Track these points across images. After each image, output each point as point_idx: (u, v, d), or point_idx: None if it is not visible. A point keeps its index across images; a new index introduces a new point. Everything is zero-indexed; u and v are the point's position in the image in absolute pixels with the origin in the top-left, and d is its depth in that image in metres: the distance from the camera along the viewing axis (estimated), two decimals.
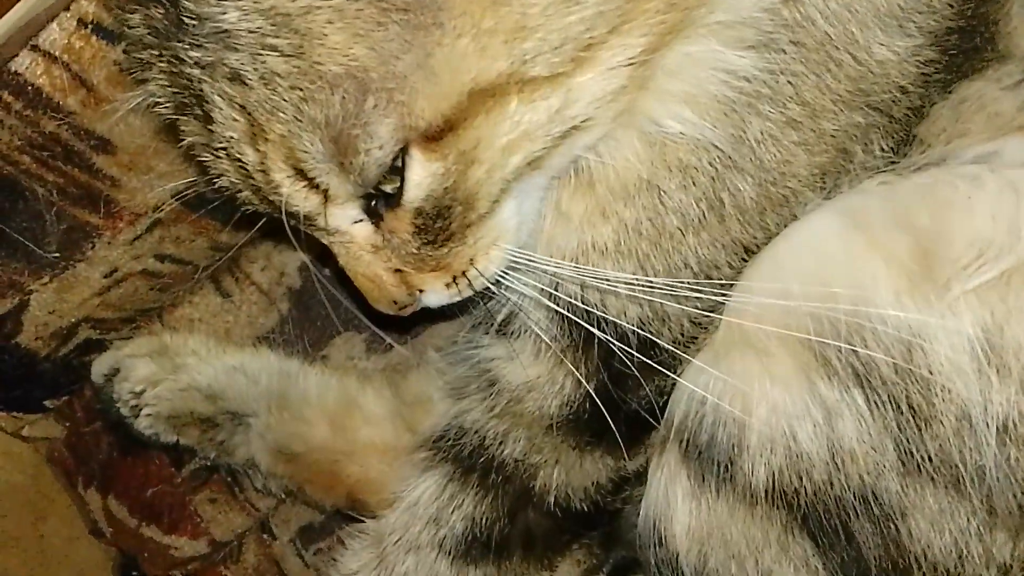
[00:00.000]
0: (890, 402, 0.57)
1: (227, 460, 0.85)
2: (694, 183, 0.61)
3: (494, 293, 0.65)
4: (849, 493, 0.62)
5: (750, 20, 0.55)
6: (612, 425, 0.66)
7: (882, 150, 0.64)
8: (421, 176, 0.54)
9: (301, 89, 0.50)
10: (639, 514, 0.71)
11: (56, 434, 0.95)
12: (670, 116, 0.57)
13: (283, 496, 0.87)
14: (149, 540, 0.92)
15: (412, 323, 0.88)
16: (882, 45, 0.60)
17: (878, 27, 0.59)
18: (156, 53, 0.55)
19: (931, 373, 0.54)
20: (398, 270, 0.60)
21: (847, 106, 0.61)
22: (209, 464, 0.88)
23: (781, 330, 0.60)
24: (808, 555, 0.64)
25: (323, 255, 0.80)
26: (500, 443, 0.72)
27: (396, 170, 0.54)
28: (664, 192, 0.61)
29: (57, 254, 0.78)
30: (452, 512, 0.73)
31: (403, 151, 0.53)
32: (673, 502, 0.68)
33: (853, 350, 0.57)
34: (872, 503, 0.61)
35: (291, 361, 0.87)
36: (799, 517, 0.64)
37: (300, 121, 0.51)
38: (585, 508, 0.73)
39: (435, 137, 0.52)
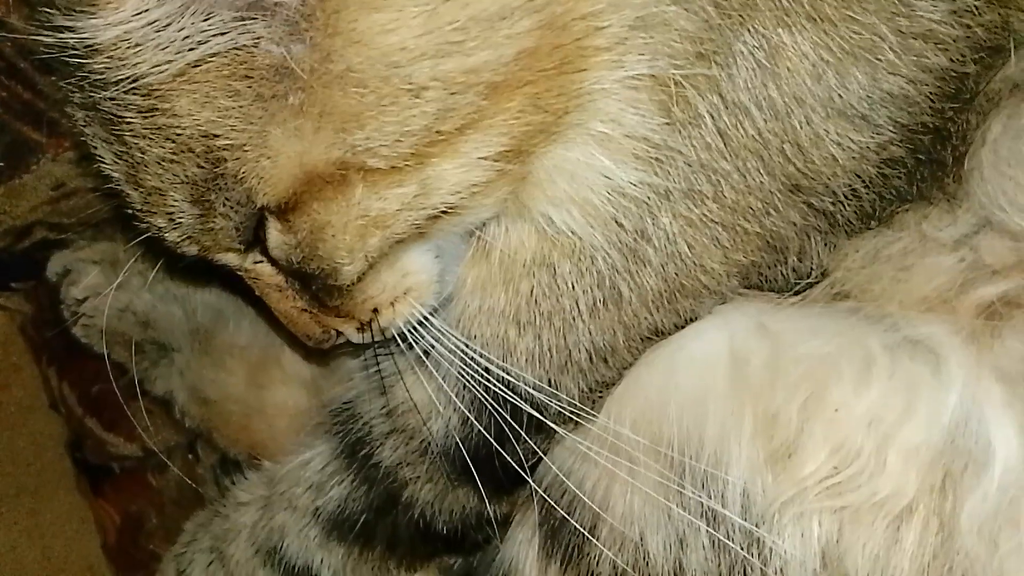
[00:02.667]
0: (735, 563, 0.52)
1: (149, 387, 0.87)
2: (589, 272, 0.55)
3: None
4: None
5: (639, 135, 0.46)
6: (475, 473, 0.64)
7: (818, 256, 0.55)
8: (277, 241, 0.52)
9: (161, 146, 0.48)
10: (497, 556, 0.70)
11: (27, 310, 1.00)
12: (558, 215, 0.51)
13: (195, 431, 0.88)
14: (91, 431, 0.97)
15: None
16: (835, 139, 0.51)
17: (833, 118, 0.50)
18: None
19: (766, 561, 0.48)
20: (306, 310, 0.59)
21: (781, 206, 0.53)
22: None
23: (649, 443, 0.56)
24: None
25: None
26: (380, 444, 0.71)
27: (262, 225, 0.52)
28: (559, 274, 0.56)
29: (2, 163, 0.78)
30: (331, 488, 0.73)
31: (262, 213, 0.51)
32: (524, 563, 0.66)
33: (704, 492, 0.52)
34: None
35: (230, 301, 0.86)
36: None
37: (164, 176, 0.50)
38: (447, 531, 0.72)
39: (284, 211, 0.49)
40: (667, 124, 0.48)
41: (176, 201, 0.50)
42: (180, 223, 0.52)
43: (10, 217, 0.84)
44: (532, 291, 0.57)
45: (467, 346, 0.60)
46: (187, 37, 0.44)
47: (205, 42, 0.44)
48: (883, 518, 0.45)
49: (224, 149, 0.47)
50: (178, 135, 0.47)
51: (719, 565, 0.54)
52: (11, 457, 0.96)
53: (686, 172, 0.50)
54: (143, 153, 0.49)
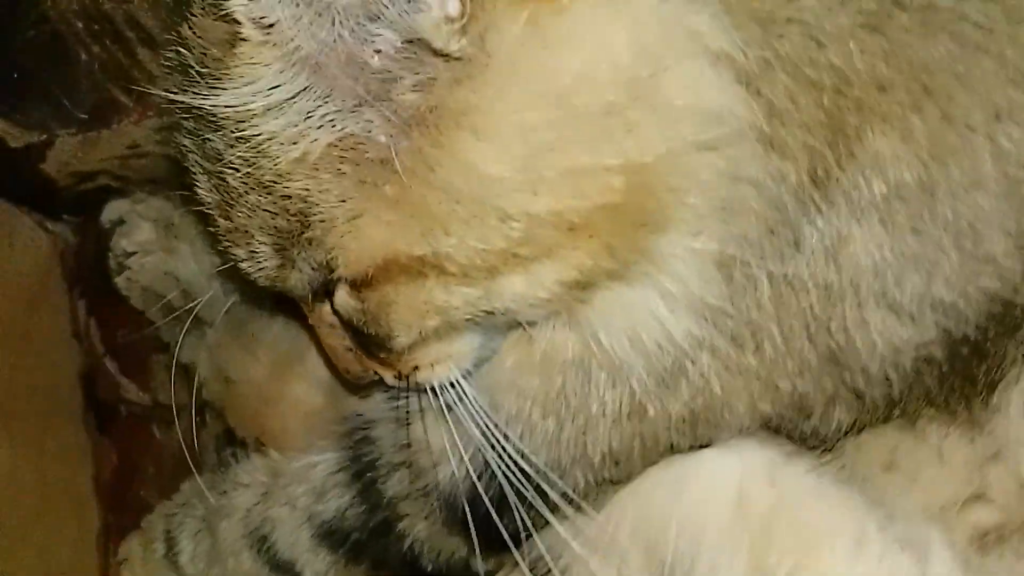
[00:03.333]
0: None
1: (175, 351, 0.90)
2: (621, 386, 0.58)
3: None
4: None
5: (700, 296, 0.49)
6: (471, 528, 0.68)
7: (840, 424, 0.58)
8: (343, 303, 0.55)
9: (259, 196, 0.51)
10: None
11: (72, 240, 1.02)
12: (607, 338, 0.54)
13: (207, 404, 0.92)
14: (107, 371, 1.00)
15: None
16: (880, 328, 0.53)
17: (882, 309, 0.53)
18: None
19: None
20: (351, 349, 0.62)
21: (816, 372, 0.55)
22: None
23: (643, 551, 0.59)
24: None
25: None
26: (387, 474, 0.74)
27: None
28: (592, 380, 0.59)
29: (86, 116, 0.81)
30: (331, 497, 0.76)
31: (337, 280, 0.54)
32: None
33: None
34: None
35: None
36: None
37: (254, 220, 0.52)
38: (432, 570, 0.75)
39: (357, 284, 0.52)
40: (727, 289, 0.51)
41: (260, 244, 0.53)
42: (258, 262, 0.55)
43: (80, 162, 0.87)
44: (564, 385, 0.60)
45: (489, 415, 0.63)
46: (308, 116, 0.46)
47: (322, 126, 0.46)
48: None
49: (317, 217, 0.49)
50: (277, 192, 0.50)
51: None
52: (28, 379, 0.98)
53: (734, 325, 0.53)
54: (240, 195, 0.51)
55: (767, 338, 0.53)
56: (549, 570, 0.65)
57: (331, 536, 0.76)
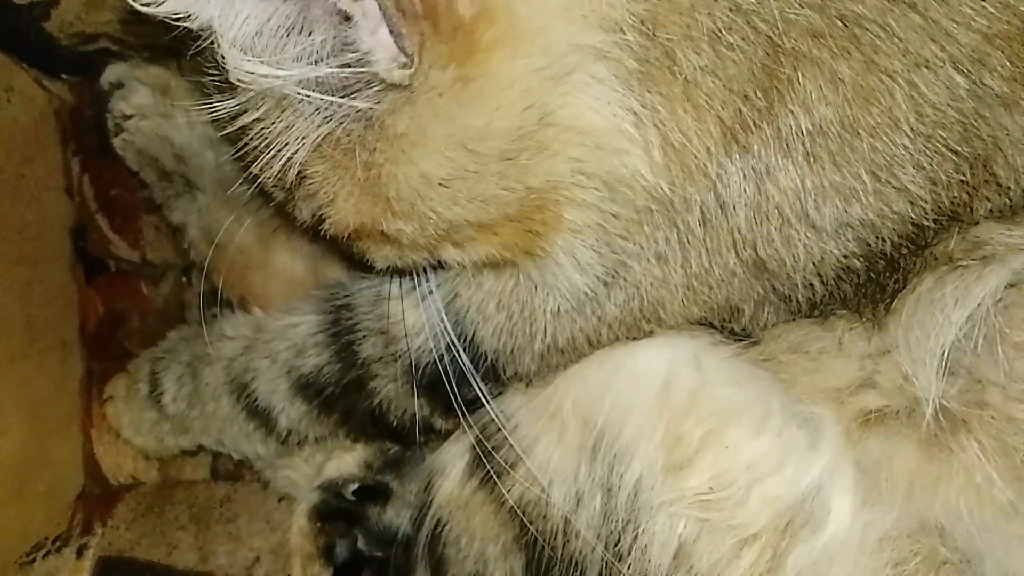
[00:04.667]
0: (614, 530, 0.65)
1: (167, 213, 0.96)
2: (557, 289, 0.67)
3: None
4: (565, 553, 0.72)
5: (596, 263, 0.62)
6: (433, 393, 0.77)
7: (767, 324, 0.67)
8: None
9: (267, 153, 0.59)
10: (430, 458, 0.82)
11: (69, 100, 1.06)
12: (537, 276, 0.67)
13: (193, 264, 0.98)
14: (99, 227, 1.05)
15: None
16: (805, 242, 0.61)
17: (806, 228, 0.61)
18: None
19: (636, 537, 0.62)
20: None
21: (743, 281, 0.63)
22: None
23: (581, 419, 0.68)
24: (516, 569, 0.76)
25: None
26: (364, 338, 0.81)
27: None
28: (535, 281, 0.68)
29: None
30: (310, 354, 0.83)
31: None
32: (450, 472, 0.78)
33: (610, 468, 0.65)
34: (574, 570, 0.71)
35: None
36: (524, 539, 0.74)
37: (264, 160, 0.60)
38: (396, 425, 0.83)
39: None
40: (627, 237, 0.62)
41: (272, 186, 0.62)
42: (270, 182, 0.63)
43: (82, 23, 0.90)
44: (514, 286, 0.69)
45: (452, 302, 0.73)
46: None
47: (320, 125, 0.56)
48: (732, 537, 0.59)
49: (309, 184, 0.60)
50: (285, 154, 0.58)
51: (601, 528, 0.67)
52: (19, 227, 1.02)
53: (660, 239, 0.61)
54: (256, 138, 0.58)
55: (693, 255, 0.61)
56: (500, 429, 0.74)
57: (307, 388, 0.84)
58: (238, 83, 0.54)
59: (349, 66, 0.52)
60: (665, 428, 0.62)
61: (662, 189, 0.59)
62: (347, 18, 0.50)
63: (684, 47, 0.55)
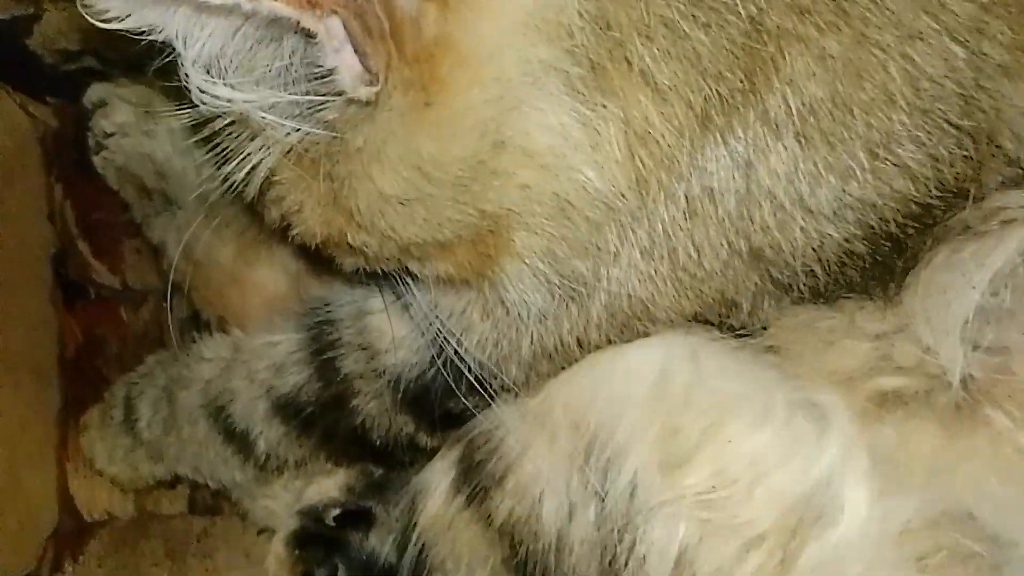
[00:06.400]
0: (609, 542, 0.61)
1: (147, 231, 0.93)
2: (539, 292, 0.63)
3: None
4: (557, 573, 0.67)
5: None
6: (416, 410, 0.75)
7: (767, 316, 0.63)
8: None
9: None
10: (414, 478, 0.78)
11: (52, 124, 1.05)
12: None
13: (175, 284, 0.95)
14: (80, 252, 1.04)
15: None
16: (802, 226, 0.58)
17: (801, 211, 0.58)
18: None
19: (633, 546, 0.57)
20: None
21: (738, 271, 0.60)
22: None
23: (571, 424, 0.64)
24: None
25: None
26: (345, 354, 0.78)
27: None
28: (514, 288, 0.64)
29: None
30: (290, 373, 0.80)
31: None
32: (435, 489, 0.74)
33: (603, 473, 0.61)
34: None
35: None
36: (516, 561, 0.70)
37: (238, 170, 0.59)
38: (379, 444, 0.80)
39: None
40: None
41: (240, 178, 0.59)
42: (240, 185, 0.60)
43: (66, 39, 0.90)
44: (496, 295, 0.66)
45: (433, 312, 0.70)
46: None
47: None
48: (737, 539, 0.54)
49: (277, 191, 0.59)
50: (253, 159, 0.57)
51: (595, 541, 0.62)
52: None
53: (645, 235, 0.58)
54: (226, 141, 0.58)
55: (681, 247, 0.59)
56: (487, 441, 0.70)
57: (286, 408, 0.80)
58: (200, 104, 0.53)
59: (314, 81, 0.51)
60: (661, 424, 0.58)
61: (623, 189, 0.57)
62: (311, 36, 0.49)
63: (636, 38, 0.54)
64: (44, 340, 1.05)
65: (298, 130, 0.54)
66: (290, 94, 0.52)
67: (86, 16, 0.49)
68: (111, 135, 0.93)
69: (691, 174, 0.56)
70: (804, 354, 0.58)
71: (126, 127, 0.93)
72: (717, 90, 0.54)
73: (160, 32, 0.50)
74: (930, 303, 0.56)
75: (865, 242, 0.59)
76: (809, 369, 0.58)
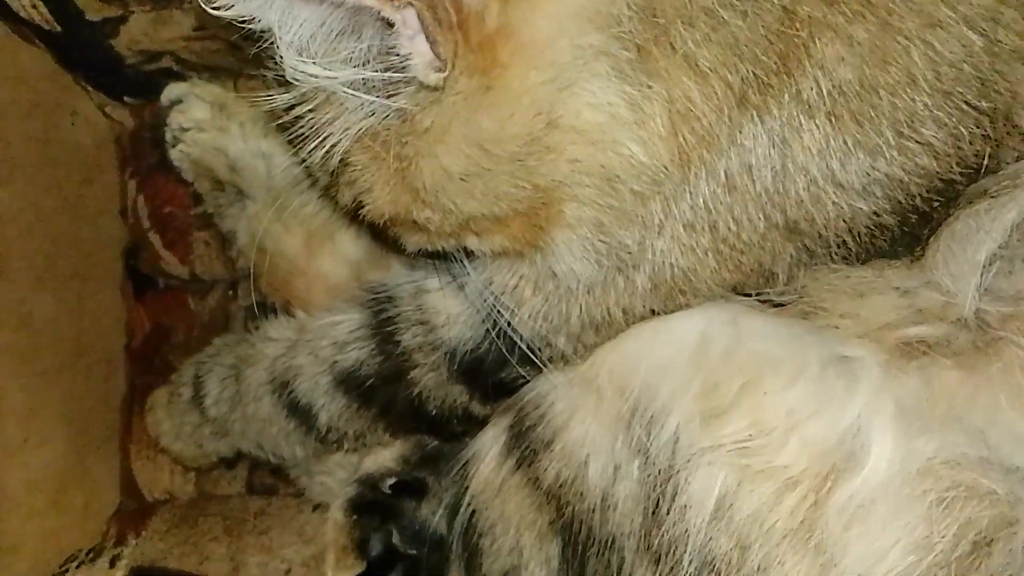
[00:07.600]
0: (651, 494, 0.65)
1: (218, 221, 1.00)
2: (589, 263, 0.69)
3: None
4: (602, 532, 0.71)
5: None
6: (471, 380, 0.80)
7: (803, 283, 0.68)
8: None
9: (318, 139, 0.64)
10: (467, 446, 0.83)
11: (128, 124, 1.13)
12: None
13: (244, 272, 1.01)
14: (151, 244, 1.10)
15: None
16: (835, 200, 0.63)
17: (833, 186, 0.62)
18: None
19: (675, 496, 0.62)
20: None
21: (775, 242, 0.65)
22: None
23: (617, 388, 0.69)
24: (552, 556, 0.75)
25: None
26: (404, 329, 0.83)
27: None
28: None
29: None
30: (351, 349, 0.85)
31: None
32: (487, 455, 0.78)
33: (647, 431, 0.65)
34: (611, 550, 0.70)
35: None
36: (562, 523, 0.74)
37: (315, 145, 0.64)
38: (435, 415, 0.84)
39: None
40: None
41: (317, 160, 0.65)
42: (316, 167, 0.67)
43: (149, 40, 0.97)
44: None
45: (488, 289, 0.75)
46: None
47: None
48: (773, 483, 0.58)
49: (351, 171, 0.65)
50: (331, 142, 0.63)
51: (639, 496, 0.67)
52: (76, 245, 1.07)
53: (687, 208, 0.64)
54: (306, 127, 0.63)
55: (721, 220, 0.64)
56: (536, 408, 0.75)
57: (348, 382, 0.85)
58: (293, 81, 0.59)
59: (390, 68, 0.57)
60: (701, 382, 0.62)
61: (666, 163, 0.62)
62: (390, 25, 0.55)
63: (680, 24, 0.59)
64: (114, 330, 1.12)
65: (373, 113, 0.60)
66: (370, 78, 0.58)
67: (203, 5, 0.55)
68: (187, 130, 1.00)
69: (730, 150, 0.62)
70: (836, 307, 0.63)
71: (202, 123, 0.99)
72: (754, 72, 0.60)
73: (258, 22, 0.57)
74: (949, 254, 0.60)
75: (893, 215, 0.64)
76: (844, 326, 0.62)
